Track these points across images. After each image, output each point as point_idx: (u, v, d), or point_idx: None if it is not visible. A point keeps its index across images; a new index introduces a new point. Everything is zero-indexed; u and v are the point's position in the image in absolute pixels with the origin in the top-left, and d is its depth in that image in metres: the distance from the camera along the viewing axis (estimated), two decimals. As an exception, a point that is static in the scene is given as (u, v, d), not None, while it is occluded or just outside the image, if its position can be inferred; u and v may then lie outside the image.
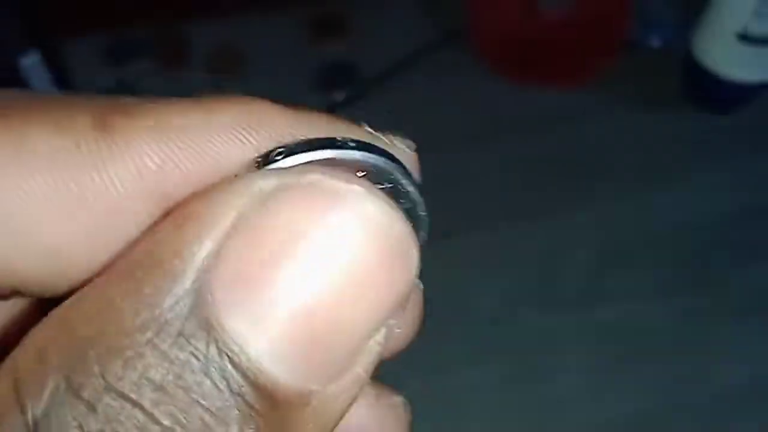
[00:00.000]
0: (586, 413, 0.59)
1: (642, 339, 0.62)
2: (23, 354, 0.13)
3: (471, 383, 0.59)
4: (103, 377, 0.12)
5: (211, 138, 0.15)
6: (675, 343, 0.62)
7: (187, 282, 0.13)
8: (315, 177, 0.13)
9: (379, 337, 0.14)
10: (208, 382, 0.12)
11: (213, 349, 0.12)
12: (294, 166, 0.14)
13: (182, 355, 0.12)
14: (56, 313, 0.13)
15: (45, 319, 0.13)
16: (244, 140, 0.15)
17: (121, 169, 0.14)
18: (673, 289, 0.64)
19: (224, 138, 0.15)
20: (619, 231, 0.66)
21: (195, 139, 0.15)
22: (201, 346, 0.12)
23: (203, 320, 0.12)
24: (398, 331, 0.15)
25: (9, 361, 0.13)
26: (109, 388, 0.12)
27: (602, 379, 0.60)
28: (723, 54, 0.66)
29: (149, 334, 0.12)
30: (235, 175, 0.15)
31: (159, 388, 0.12)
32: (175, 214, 0.14)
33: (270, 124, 0.16)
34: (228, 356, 0.12)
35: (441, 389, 0.58)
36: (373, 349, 0.14)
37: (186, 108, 0.15)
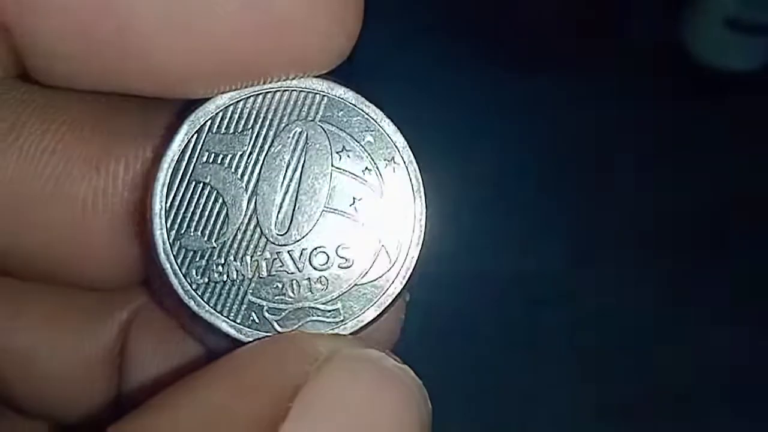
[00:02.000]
0: (568, 402, 0.59)
1: (624, 327, 0.62)
2: None
3: (450, 372, 0.58)
4: None
5: None
6: (656, 331, 0.62)
7: None
8: (374, 354, 0.15)
9: None
10: None
11: None
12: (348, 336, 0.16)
13: None
14: None
15: None
16: None
17: None
18: (655, 278, 0.64)
19: None
20: (603, 219, 0.66)
21: None
22: None
23: None
24: None
25: None
26: None
27: (584, 368, 0.60)
28: (710, 42, 0.66)
29: None
30: None
31: None
32: (230, 380, 0.15)
33: None
34: None
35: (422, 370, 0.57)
36: None
37: None
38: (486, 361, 0.60)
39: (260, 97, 0.16)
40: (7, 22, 0.15)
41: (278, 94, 0.16)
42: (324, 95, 0.17)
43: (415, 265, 0.17)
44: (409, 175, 0.17)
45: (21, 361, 0.20)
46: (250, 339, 0.17)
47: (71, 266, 0.19)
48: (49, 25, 0.15)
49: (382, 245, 0.17)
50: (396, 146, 0.17)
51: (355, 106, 0.17)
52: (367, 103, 0.17)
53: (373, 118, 0.17)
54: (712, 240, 0.65)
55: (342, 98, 0.17)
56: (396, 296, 0.17)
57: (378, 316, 0.17)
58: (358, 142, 0.17)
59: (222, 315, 0.17)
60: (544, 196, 0.66)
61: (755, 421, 0.59)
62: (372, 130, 0.17)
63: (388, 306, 0.17)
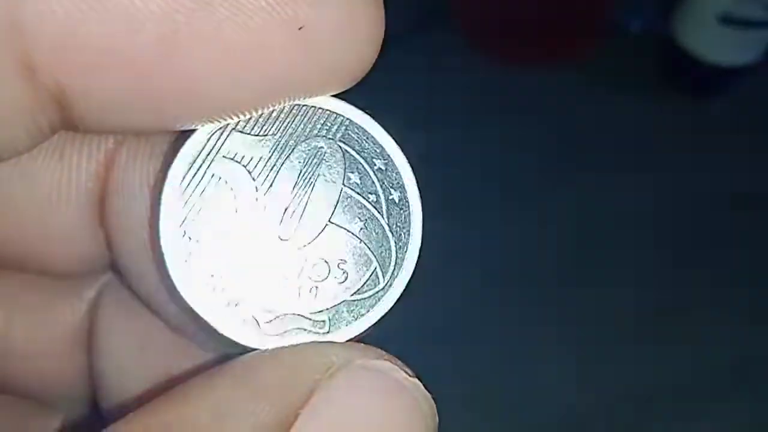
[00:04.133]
0: (567, 397, 0.59)
1: (622, 323, 0.62)
2: None
3: (449, 365, 0.58)
4: None
5: None
6: (655, 326, 0.62)
7: None
8: (385, 365, 0.16)
9: None
10: None
11: None
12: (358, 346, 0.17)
13: None
14: None
15: None
16: None
17: None
18: (653, 273, 0.64)
19: None
20: (600, 215, 0.66)
21: None
22: None
23: None
24: None
25: None
26: None
27: (583, 363, 0.60)
28: (704, 37, 0.65)
29: None
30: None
31: None
32: (244, 382, 0.15)
33: None
34: None
35: (417, 372, 0.57)
36: None
37: None
38: (485, 360, 0.60)
39: (288, 108, 0.17)
40: (64, 84, 0.14)
41: (304, 108, 0.17)
42: (347, 118, 0.17)
43: (404, 291, 0.18)
44: (410, 206, 0.18)
45: None
46: (230, 334, 0.17)
47: (36, 256, 0.19)
48: (106, 81, 0.15)
49: (377, 267, 0.17)
50: (403, 177, 0.18)
51: (372, 134, 0.18)
52: (385, 133, 0.18)
53: (386, 148, 0.18)
54: (711, 238, 0.65)
55: (362, 125, 0.18)
56: (381, 317, 0.18)
57: (361, 332, 0.18)
58: (371, 167, 0.17)
59: (208, 306, 0.17)
60: (544, 195, 0.66)
61: (755, 420, 0.59)
62: (384, 159, 0.17)
63: (372, 325, 0.18)
